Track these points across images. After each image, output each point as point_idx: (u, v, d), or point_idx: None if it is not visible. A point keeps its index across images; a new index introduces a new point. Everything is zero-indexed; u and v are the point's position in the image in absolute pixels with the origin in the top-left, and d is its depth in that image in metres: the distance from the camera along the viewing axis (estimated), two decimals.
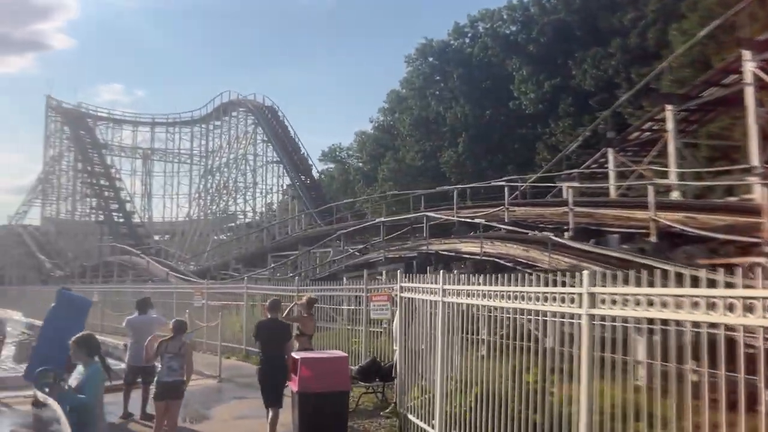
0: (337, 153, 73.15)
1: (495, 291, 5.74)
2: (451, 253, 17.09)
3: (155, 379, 8.01)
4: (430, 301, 7.19)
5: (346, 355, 8.53)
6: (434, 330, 7.01)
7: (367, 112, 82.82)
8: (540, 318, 5.29)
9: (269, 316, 8.46)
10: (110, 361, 6.28)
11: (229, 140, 63.47)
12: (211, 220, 60.86)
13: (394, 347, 8.77)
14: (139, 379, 9.72)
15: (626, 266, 9.07)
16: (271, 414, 8.06)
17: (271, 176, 58.75)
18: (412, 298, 7.89)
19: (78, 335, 5.50)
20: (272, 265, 28.05)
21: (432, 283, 7.17)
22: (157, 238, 64.36)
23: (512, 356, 5.44)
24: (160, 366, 7.60)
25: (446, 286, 6.74)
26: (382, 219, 21.01)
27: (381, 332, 11.96)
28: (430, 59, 52.59)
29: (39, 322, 25.36)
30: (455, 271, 9.39)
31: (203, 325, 14.72)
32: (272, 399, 8.09)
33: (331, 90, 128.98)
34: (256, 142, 58.52)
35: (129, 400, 9.63)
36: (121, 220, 57.52)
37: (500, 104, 44.55)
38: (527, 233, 15.90)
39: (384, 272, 15.13)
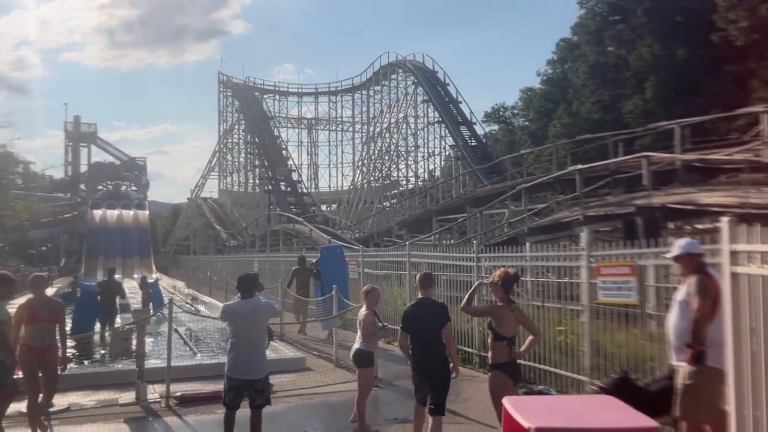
0: (501, 113, 69.26)
1: None
2: (686, 207, 12.76)
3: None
4: None
5: (654, 425, 3.80)
6: None
7: (531, 69, 77.18)
8: None
9: (420, 295, 6.10)
10: None
11: (389, 104, 62.12)
12: (374, 187, 60.16)
13: (672, 362, 4.87)
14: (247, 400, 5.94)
15: None
16: (431, 424, 5.68)
17: (433, 138, 56.65)
18: None
19: None
20: (437, 229, 25.35)
21: None
22: (324, 207, 65.15)
23: None
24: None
25: None
26: (578, 166, 16.48)
27: (579, 311, 8.28)
28: None
29: (200, 295, 25.33)
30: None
31: (355, 306, 11.95)
32: (431, 400, 5.74)
33: (493, 51, 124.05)
34: (416, 103, 56.48)
35: None
36: (288, 189, 58.39)
37: (698, 40, 37.78)
38: None
39: (582, 235, 11.49)
